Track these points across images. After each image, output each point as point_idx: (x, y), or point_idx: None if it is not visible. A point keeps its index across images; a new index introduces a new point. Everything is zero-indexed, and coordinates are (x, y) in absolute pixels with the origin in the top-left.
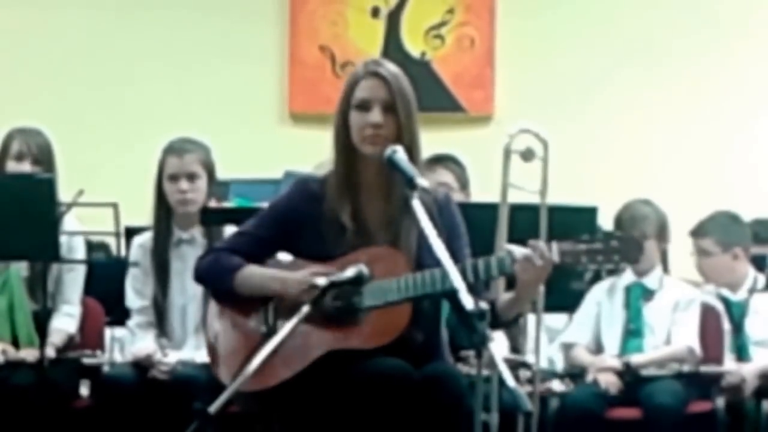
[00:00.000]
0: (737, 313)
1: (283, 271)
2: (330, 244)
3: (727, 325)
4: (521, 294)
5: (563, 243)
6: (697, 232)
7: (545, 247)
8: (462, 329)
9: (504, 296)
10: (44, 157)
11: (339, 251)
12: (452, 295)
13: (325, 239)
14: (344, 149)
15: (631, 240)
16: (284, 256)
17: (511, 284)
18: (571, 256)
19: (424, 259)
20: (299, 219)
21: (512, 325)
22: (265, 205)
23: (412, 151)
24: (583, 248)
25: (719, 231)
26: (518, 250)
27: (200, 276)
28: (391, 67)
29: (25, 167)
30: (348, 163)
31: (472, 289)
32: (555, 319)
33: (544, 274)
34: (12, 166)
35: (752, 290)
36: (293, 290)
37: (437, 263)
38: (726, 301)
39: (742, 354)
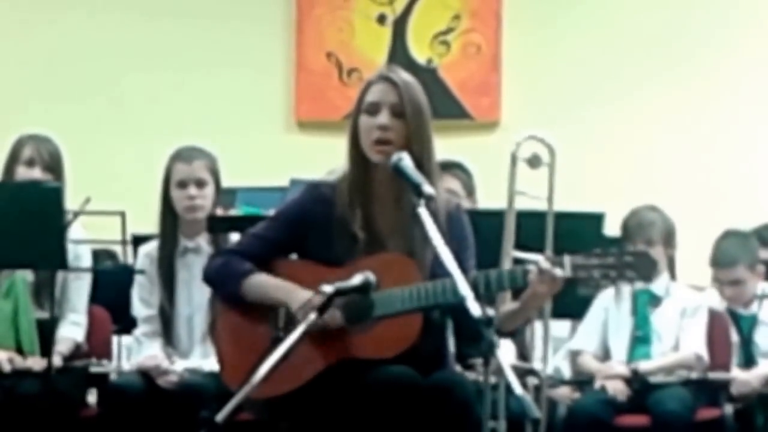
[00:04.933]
0: (746, 326)
1: (289, 284)
2: (340, 250)
3: (735, 338)
4: (527, 305)
5: (576, 257)
6: (727, 263)
7: (558, 259)
8: (465, 343)
9: (505, 307)
10: (55, 164)
11: (349, 257)
12: (460, 306)
13: (335, 244)
14: (356, 156)
15: (646, 256)
16: (295, 257)
17: (515, 295)
18: (584, 270)
19: (437, 268)
20: (310, 223)
21: (513, 336)
22: (271, 212)
23: (423, 159)
24: (596, 262)
25: (746, 255)
26: (532, 264)
27: (209, 278)
28: (403, 74)
29: (36, 174)
30: (360, 169)
31: (479, 298)
32: (558, 329)
33: (556, 287)
34: (22, 172)
35: (762, 298)
36: (296, 305)
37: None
38: (734, 315)
39: (749, 366)
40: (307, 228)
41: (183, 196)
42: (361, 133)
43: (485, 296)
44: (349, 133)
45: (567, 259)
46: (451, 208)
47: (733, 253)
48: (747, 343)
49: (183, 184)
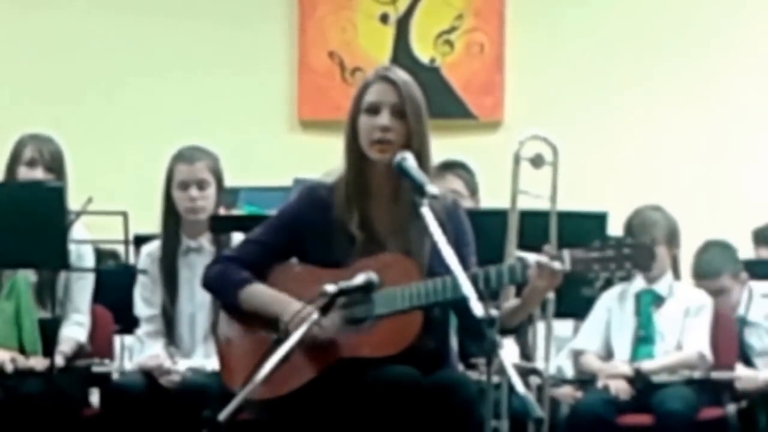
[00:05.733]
0: (738, 329)
1: (283, 296)
2: (339, 252)
3: None
4: (529, 300)
5: (575, 250)
6: (710, 274)
7: (557, 253)
8: (469, 338)
9: (508, 304)
10: (56, 164)
11: (348, 259)
12: (462, 303)
13: (333, 246)
14: (354, 155)
15: (644, 247)
16: (295, 261)
17: (519, 291)
18: (583, 264)
19: (435, 266)
20: (307, 226)
21: (515, 332)
22: (274, 212)
23: (422, 158)
24: (595, 256)
25: (728, 264)
26: (531, 257)
27: (208, 285)
28: (401, 73)
29: (38, 174)
30: (358, 169)
31: (480, 297)
32: (561, 328)
33: (555, 282)
34: (24, 173)
35: (749, 298)
36: (288, 317)
37: (448, 271)
38: None
39: (747, 364)
40: (304, 232)
41: (184, 198)
42: (360, 133)
43: (486, 292)
44: (346, 132)
45: (566, 253)
46: (449, 206)
47: (716, 264)
48: (740, 345)
49: (184, 186)
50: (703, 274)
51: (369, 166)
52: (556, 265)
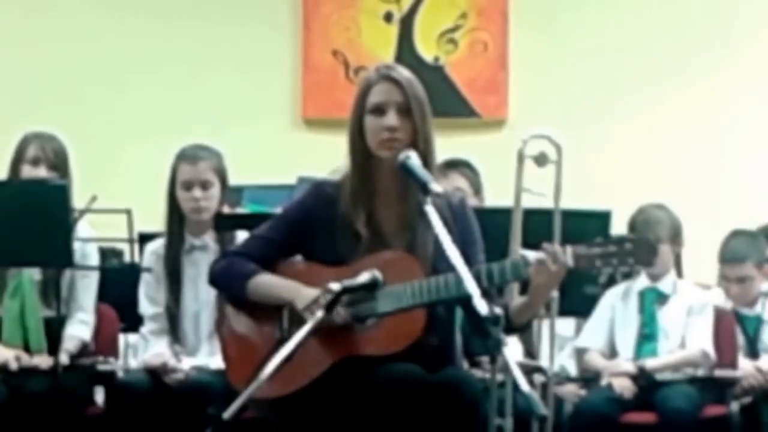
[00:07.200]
0: (751, 327)
1: (294, 283)
2: (344, 249)
3: (740, 338)
4: (534, 298)
5: (577, 247)
6: (735, 260)
7: (559, 250)
8: (475, 336)
9: (516, 301)
10: (60, 162)
11: (353, 257)
12: (466, 300)
13: (339, 244)
14: (360, 155)
15: (646, 242)
16: (299, 258)
17: (525, 289)
18: (586, 260)
19: (439, 264)
20: (313, 223)
21: (525, 331)
22: (278, 210)
23: (427, 156)
24: (598, 252)
25: (755, 252)
26: (532, 254)
27: (214, 280)
28: (404, 72)
29: (41, 172)
30: (364, 168)
31: (486, 294)
32: (563, 327)
33: (558, 278)
34: (27, 171)
35: (765, 296)
36: (301, 304)
37: (452, 268)
38: (739, 316)
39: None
40: (310, 228)
41: (188, 198)
42: (367, 134)
43: (490, 289)
44: (351, 132)
45: (568, 250)
46: (456, 204)
47: (742, 250)
48: (752, 343)
49: (188, 186)
50: (727, 259)
51: (375, 166)
52: (552, 264)
